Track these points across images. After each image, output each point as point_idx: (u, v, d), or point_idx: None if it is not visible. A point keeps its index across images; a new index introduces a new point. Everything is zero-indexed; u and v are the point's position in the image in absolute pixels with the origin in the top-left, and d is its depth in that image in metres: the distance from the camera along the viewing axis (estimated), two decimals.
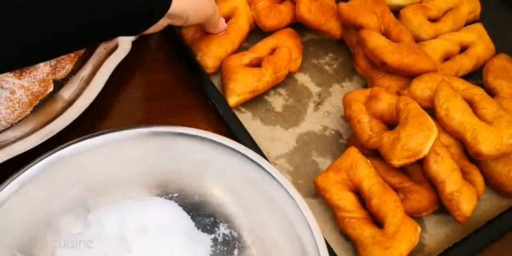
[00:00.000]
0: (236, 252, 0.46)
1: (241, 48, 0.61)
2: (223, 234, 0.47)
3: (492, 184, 0.51)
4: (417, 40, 0.59)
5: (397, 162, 0.47)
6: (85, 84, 0.53)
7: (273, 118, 0.57)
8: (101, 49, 0.56)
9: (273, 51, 0.59)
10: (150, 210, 0.45)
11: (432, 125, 0.47)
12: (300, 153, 0.54)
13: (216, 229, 0.47)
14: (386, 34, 0.56)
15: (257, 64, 0.58)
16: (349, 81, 0.61)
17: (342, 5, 0.58)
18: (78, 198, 0.46)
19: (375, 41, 0.54)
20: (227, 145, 0.45)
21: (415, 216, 0.48)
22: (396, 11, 0.61)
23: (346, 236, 0.49)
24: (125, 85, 0.59)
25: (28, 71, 0.50)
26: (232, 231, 0.47)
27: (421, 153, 0.46)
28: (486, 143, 0.48)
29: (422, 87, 0.52)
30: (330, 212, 0.50)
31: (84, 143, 0.44)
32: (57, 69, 0.53)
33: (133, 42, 0.57)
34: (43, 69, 0.51)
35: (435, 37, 0.60)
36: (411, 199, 0.48)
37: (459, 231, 0.49)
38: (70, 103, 0.51)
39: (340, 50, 0.63)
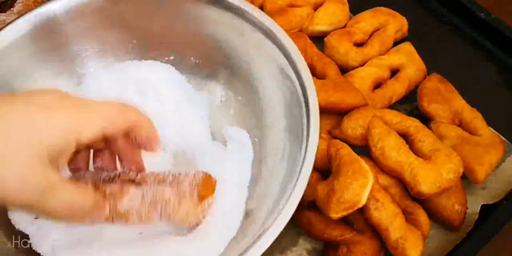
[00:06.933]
0: (232, 111, 0.47)
1: None
2: (220, 95, 0.48)
3: (437, 218, 0.49)
4: (345, 68, 0.56)
5: (335, 215, 0.43)
6: None
7: None
8: None
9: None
10: (147, 73, 0.45)
11: (366, 172, 0.43)
12: None
13: (212, 90, 0.48)
14: (310, 69, 0.52)
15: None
16: None
17: None
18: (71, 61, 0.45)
19: None
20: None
21: None
22: (321, 38, 0.58)
23: None
24: None
25: None
26: (228, 91, 0.47)
27: (358, 203, 0.43)
28: (426, 182, 0.45)
29: (353, 126, 0.49)
30: None
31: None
32: None
33: None
34: None
35: (364, 62, 0.56)
36: (355, 252, 0.44)
37: None
38: None
39: None
